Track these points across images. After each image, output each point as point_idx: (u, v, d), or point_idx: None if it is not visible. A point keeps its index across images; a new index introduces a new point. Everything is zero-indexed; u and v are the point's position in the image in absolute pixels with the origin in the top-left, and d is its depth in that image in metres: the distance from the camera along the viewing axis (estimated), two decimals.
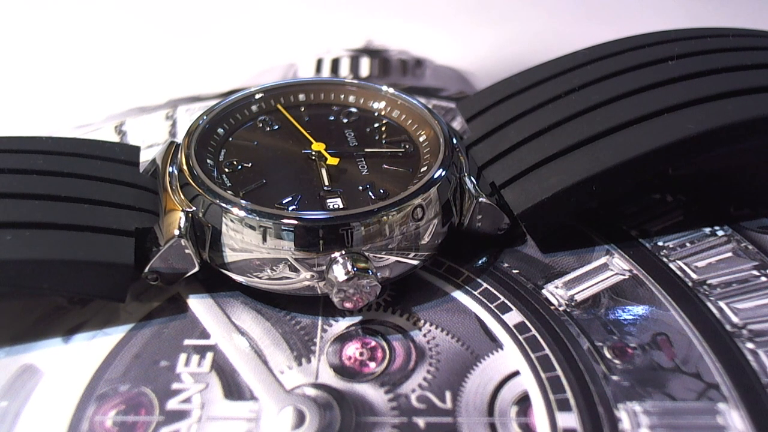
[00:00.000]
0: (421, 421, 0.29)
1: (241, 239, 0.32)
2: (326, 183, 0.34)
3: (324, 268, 0.31)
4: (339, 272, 0.30)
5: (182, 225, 0.32)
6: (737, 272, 0.35)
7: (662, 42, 0.41)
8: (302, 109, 0.39)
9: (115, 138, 0.44)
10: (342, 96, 0.40)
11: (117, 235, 0.32)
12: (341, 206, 0.33)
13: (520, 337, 0.32)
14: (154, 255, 0.32)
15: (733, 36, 0.41)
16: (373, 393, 0.30)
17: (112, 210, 0.33)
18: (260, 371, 0.31)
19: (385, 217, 0.31)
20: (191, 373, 0.31)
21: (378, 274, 0.31)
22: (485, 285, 0.34)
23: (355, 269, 0.30)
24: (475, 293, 0.34)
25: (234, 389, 0.30)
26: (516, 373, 0.31)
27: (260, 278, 0.32)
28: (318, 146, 0.36)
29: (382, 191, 0.34)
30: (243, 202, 0.32)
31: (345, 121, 0.39)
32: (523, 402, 0.30)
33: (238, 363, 0.31)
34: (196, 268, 0.33)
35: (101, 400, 0.30)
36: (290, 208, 0.33)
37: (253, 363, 0.31)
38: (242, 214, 0.31)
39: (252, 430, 0.29)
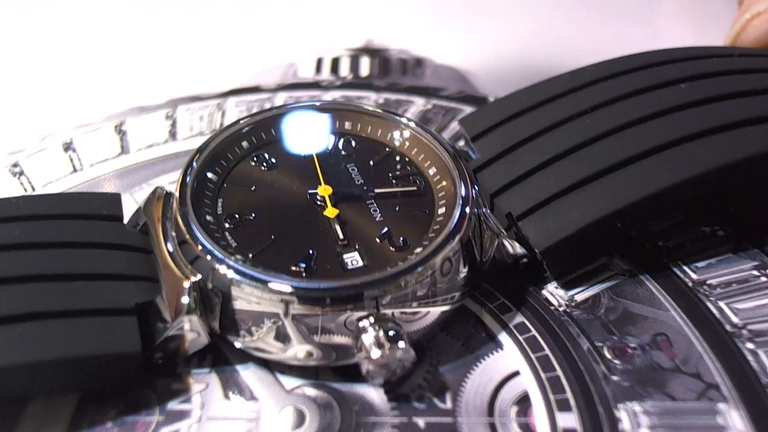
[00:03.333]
0: (421, 421, 0.29)
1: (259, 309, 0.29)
2: (341, 237, 0.31)
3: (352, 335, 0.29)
4: (370, 344, 0.28)
5: (189, 300, 0.29)
6: (737, 272, 0.35)
7: (682, 59, 0.38)
8: None
9: (115, 138, 0.44)
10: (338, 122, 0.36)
11: (116, 316, 0.28)
12: (361, 263, 0.30)
13: (520, 338, 0.32)
14: (158, 332, 0.29)
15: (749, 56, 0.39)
16: (373, 393, 0.30)
17: (106, 284, 0.29)
18: (260, 371, 0.31)
19: (410, 279, 0.29)
20: (191, 373, 0.31)
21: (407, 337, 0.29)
22: (485, 285, 0.34)
23: (387, 339, 0.28)
24: (475, 293, 0.34)
25: (234, 389, 0.30)
26: (516, 373, 0.31)
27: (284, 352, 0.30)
28: (324, 191, 0.33)
29: (401, 240, 0.31)
30: (257, 274, 0.28)
31: (344, 153, 0.35)
32: (523, 402, 0.30)
33: (238, 363, 0.31)
34: (207, 341, 0.30)
35: (101, 399, 0.30)
36: (306, 270, 0.30)
37: (253, 363, 0.31)
38: (259, 286, 0.28)
39: (252, 430, 0.29)
